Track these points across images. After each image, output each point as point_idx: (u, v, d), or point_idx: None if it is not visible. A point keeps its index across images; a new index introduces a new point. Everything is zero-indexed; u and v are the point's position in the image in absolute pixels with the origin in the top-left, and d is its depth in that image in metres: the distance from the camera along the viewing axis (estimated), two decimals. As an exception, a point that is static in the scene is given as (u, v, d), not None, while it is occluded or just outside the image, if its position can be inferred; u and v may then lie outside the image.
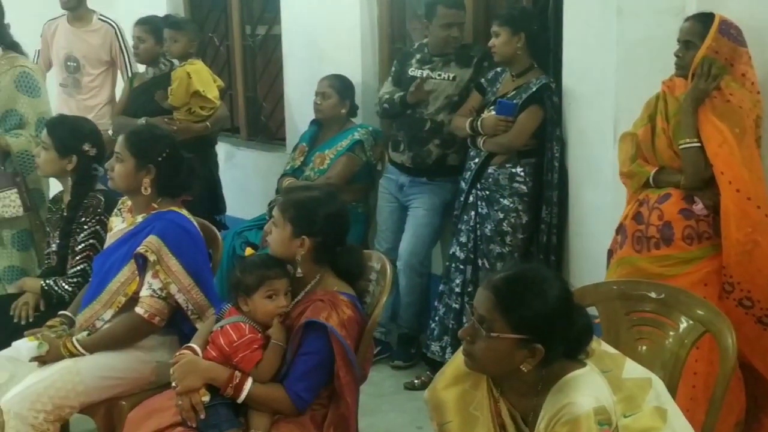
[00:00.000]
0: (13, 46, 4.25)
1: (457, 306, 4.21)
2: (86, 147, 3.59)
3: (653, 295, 2.63)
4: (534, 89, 4.04)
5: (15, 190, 4.09)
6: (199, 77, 4.77)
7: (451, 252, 4.29)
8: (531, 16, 4.19)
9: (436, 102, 4.43)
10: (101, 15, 5.52)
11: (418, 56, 4.54)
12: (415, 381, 4.35)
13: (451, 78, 4.42)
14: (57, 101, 5.51)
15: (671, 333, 2.56)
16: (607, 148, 3.71)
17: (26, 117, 4.16)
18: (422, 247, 4.52)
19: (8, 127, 4.15)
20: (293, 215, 2.74)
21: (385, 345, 4.65)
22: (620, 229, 3.45)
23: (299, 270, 2.74)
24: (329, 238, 2.76)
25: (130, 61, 5.48)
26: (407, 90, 4.45)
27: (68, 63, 5.45)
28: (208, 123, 4.86)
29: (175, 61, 4.95)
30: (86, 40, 5.45)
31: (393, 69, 4.70)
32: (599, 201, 3.84)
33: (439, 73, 4.44)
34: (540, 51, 4.18)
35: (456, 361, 2.32)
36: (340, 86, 4.77)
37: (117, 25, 5.48)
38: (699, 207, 3.23)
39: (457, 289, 4.22)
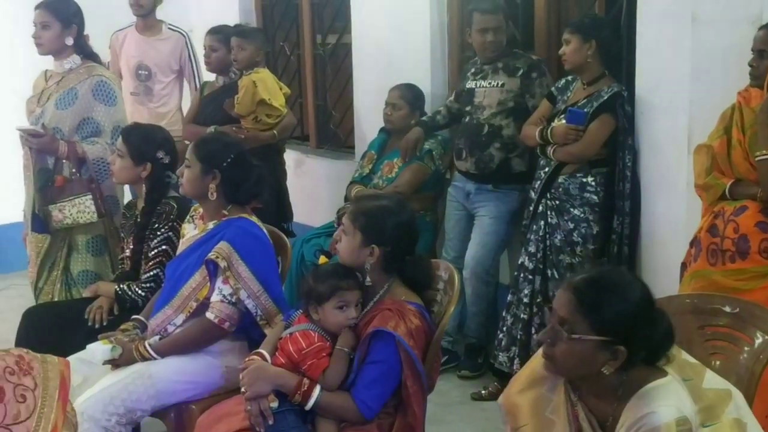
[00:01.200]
0: (92, 57, 4.34)
1: (525, 316, 4.17)
2: (160, 155, 3.65)
3: (727, 309, 2.56)
4: (605, 98, 3.98)
5: (90, 196, 4.17)
6: (265, 86, 4.82)
7: (519, 262, 4.25)
8: (602, 23, 4.14)
9: (490, 108, 4.45)
10: (170, 24, 5.63)
11: (472, 69, 4.61)
12: (483, 391, 4.33)
13: (500, 85, 4.45)
14: (129, 110, 5.61)
15: (746, 348, 2.49)
16: (681, 159, 3.65)
17: (102, 125, 4.24)
18: (488, 255, 4.50)
19: (85, 134, 4.23)
20: (363, 224, 2.74)
21: (452, 354, 4.63)
22: (694, 242, 3.39)
23: (368, 279, 2.75)
24: (399, 247, 2.75)
25: (197, 70, 5.57)
26: (464, 102, 4.58)
27: (139, 72, 5.56)
28: (275, 131, 4.91)
29: (244, 70, 5.01)
30: (157, 49, 5.56)
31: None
32: (672, 212, 3.77)
33: (490, 81, 4.48)
34: (612, 59, 4.13)
35: (532, 365, 2.30)
36: (410, 97, 4.79)
37: (186, 34, 5.59)
38: (776, 220, 3.16)
39: (526, 300, 4.18)
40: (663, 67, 3.77)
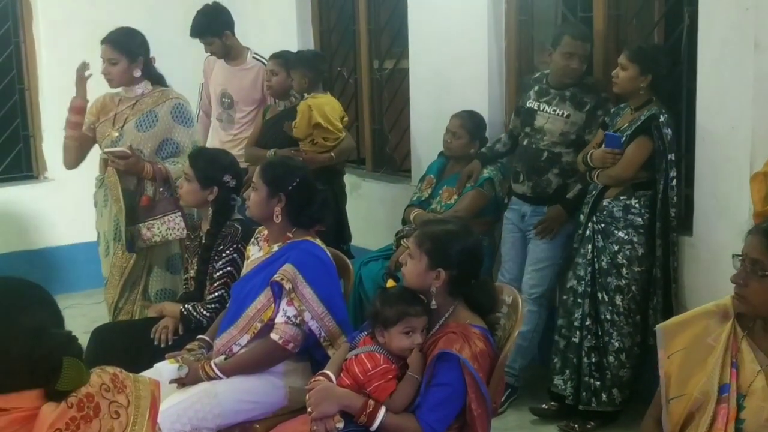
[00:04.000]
0: (159, 80, 4.47)
1: (576, 340, 4.18)
2: (226, 178, 3.73)
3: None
4: (642, 120, 3.99)
5: (179, 213, 4.29)
6: (320, 111, 4.88)
7: (569, 285, 4.26)
8: (662, 55, 4.09)
9: (551, 136, 4.44)
10: (255, 53, 5.64)
11: (536, 87, 4.55)
12: (543, 405, 4.34)
13: (564, 115, 4.41)
14: (212, 134, 5.73)
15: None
16: (742, 186, 3.62)
17: (182, 145, 4.38)
18: (542, 279, 4.50)
19: (164, 155, 4.37)
20: (429, 247, 2.78)
21: (514, 389, 4.55)
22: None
23: (434, 302, 2.78)
24: (464, 271, 2.78)
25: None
26: (522, 117, 4.57)
27: (223, 99, 5.62)
28: (332, 153, 4.98)
29: (305, 95, 5.09)
30: (240, 78, 5.57)
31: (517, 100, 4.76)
32: (732, 240, 3.74)
33: (554, 108, 4.44)
34: (670, 84, 4.11)
35: (704, 306, 2.56)
36: (471, 126, 4.80)
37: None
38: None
39: (576, 323, 4.18)
40: (724, 94, 3.76)
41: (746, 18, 3.60)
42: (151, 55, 4.47)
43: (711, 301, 3.76)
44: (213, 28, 5.45)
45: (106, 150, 4.36)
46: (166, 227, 4.27)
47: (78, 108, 4.40)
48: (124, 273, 4.35)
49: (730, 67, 3.72)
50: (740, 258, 2.38)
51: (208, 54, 5.72)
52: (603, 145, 4.09)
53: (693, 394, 2.40)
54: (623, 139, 4.02)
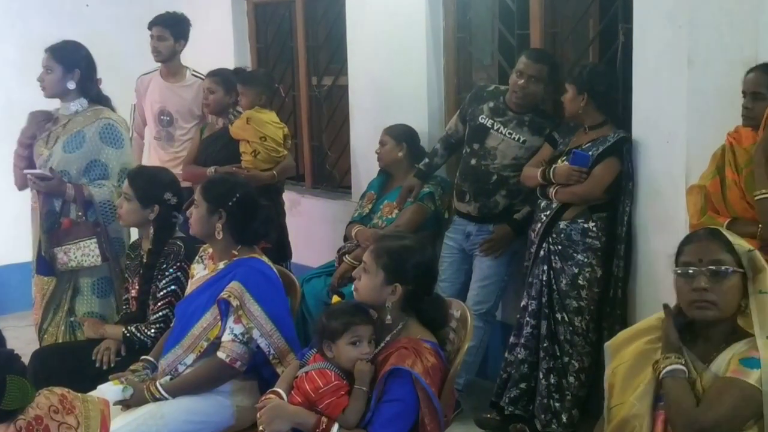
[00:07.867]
0: (100, 100, 4.38)
1: (530, 359, 4.20)
2: (167, 196, 3.70)
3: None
4: (612, 142, 4.01)
5: (95, 239, 4.19)
6: (254, 130, 4.88)
7: (522, 304, 4.27)
8: (597, 75, 4.11)
9: (503, 159, 4.42)
10: (194, 71, 5.60)
11: (491, 104, 4.48)
12: (487, 414, 4.36)
13: (520, 141, 4.40)
14: (150, 153, 5.65)
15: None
16: (678, 198, 3.70)
17: (110, 168, 4.28)
18: (490, 295, 4.54)
19: (92, 177, 4.27)
20: (387, 262, 2.78)
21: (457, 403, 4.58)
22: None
23: (389, 317, 2.78)
24: (419, 286, 2.80)
25: None
26: (470, 131, 4.53)
27: (162, 117, 5.54)
28: (275, 172, 4.97)
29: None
30: (180, 95, 5.52)
31: (463, 104, 4.69)
32: (671, 251, 3.80)
33: (510, 131, 4.41)
34: (610, 106, 4.16)
35: (647, 320, 2.67)
36: (395, 133, 4.87)
37: None
38: (779, 257, 3.22)
39: (530, 344, 4.19)
40: (659, 109, 3.84)
41: (679, 35, 3.70)
42: (99, 76, 4.41)
43: (652, 313, 3.89)
44: (176, 28, 5.44)
45: (26, 171, 4.28)
46: (81, 253, 4.19)
47: (22, 142, 4.34)
48: (45, 295, 4.27)
49: (664, 82, 3.80)
50: (689, 268, 2.45)
51: (142, 74, 5.67)
52: (569, 162, 4.06)
53: (631, 401, 2.47)
54: (590, 158, 4.02)
